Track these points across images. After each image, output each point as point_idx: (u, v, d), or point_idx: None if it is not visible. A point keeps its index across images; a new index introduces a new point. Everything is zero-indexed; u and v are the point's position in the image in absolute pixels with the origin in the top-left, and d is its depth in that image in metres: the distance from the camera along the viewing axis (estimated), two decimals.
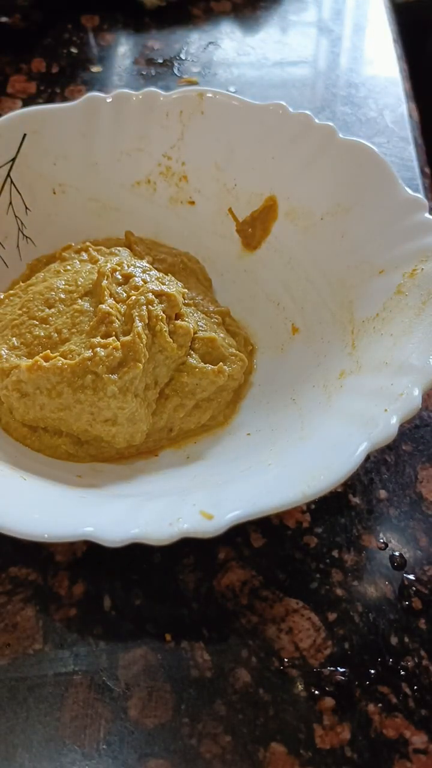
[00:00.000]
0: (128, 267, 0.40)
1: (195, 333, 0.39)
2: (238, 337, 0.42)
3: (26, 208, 0.45)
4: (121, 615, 0.33)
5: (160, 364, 0.38)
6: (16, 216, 0.44)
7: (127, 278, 0.39)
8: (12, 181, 0.44)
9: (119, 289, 0.39)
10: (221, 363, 0.39)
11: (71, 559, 0.35)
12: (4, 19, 0.65)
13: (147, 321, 0.37)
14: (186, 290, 0.41)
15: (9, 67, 0.64)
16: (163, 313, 0.38)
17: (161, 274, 0.41)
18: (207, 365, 0.39)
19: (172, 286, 0.40)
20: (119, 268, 0.40)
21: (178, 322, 0.39)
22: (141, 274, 0.40)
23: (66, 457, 0.37)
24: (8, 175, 0.44)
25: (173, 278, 0.41)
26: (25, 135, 0.44)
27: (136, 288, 0.39)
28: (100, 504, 0.32)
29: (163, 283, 0.40)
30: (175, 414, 0.38)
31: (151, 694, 0.31)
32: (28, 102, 0.61)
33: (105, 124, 0.45)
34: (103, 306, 0.37)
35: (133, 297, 0.38)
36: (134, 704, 0.31)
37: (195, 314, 0.41)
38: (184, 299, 0.40)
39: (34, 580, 0.34)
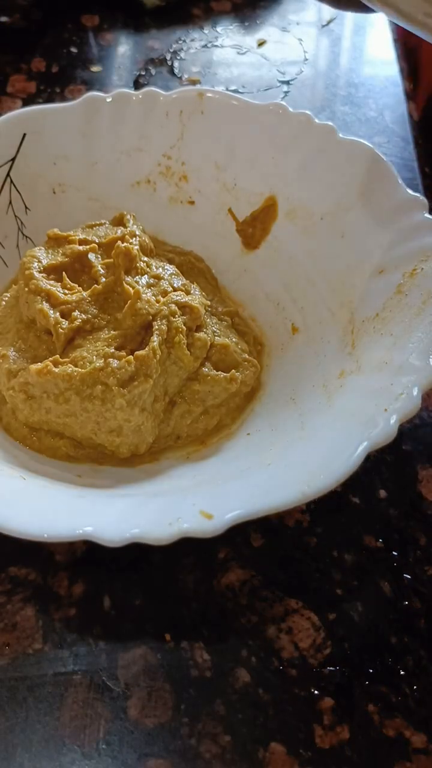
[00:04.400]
0: (157, 268, 0.40)
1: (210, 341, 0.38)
2: (247, 336, 0.42)
3: (26, 208, 0.45)
4: (121, 615, 0.33)
5: (172, 375, 0.37)
6: (16, 216, 0.44)
7: (157, 279, 0.39)
8: (12, 181, 0.44)
9: (149, 293, 0.38)
10: (234, 370, 0.38)
11: (71, 559, 0.35)
12: (4, 19, 0.65)
13: (165, 336, 0.36)
14: (208, 301, 0.41)
15: (9, 67, 0.64)
16: (184, 325, 0.37)
17: (187, 281, 0.40)
18: (219, 372, 0.38)
19: (196, 298, 0.39)
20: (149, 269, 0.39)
21: (197, 334, 0.38)
22: (169, 277, 0.39)
23: (66, 458, 0.37)
24: (8, 175, 0.44)
25: (197, 287, 0.41)
26: (25, 135, 0.44)
27: (165, 293, 0.38)
28: (100, 504, 0.32)
29: (188, 293, 0.39)
30: (182, 421, 0.38)
31: (150, 694, 0.31)
32: (28, 102, 0.60)
33: (105, 124, 0.45)
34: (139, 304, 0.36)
35: (157, 306, 0.37)
36: (134, 704, 0.31)
37: (210, 321, 0.40)
38: (205, 309, 0.40)
39: (33, 580, 0.34)
